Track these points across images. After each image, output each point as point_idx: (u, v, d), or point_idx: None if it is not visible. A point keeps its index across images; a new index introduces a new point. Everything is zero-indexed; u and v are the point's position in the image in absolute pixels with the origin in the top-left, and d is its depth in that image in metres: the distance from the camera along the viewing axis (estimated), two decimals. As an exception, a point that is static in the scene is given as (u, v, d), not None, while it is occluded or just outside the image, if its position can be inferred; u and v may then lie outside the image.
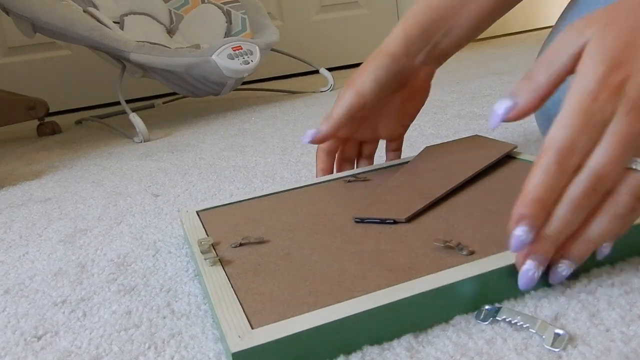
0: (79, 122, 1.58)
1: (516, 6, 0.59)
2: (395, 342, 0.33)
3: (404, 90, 0.58)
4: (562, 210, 0.32)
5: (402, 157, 0.64)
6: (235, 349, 0.30)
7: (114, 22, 1.40)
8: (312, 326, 0.31)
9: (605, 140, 0.32)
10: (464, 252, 0.37)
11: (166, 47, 1.31)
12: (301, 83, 1.81)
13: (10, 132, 1.58)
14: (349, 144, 0.62)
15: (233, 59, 1.21)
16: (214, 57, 1.20)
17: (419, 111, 0.61)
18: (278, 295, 0.35)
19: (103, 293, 0.46)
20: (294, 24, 2.03)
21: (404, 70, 0.56)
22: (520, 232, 0.32)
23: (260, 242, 0.43)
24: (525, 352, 0.31)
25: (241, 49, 1.23)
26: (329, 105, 1.29)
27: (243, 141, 1.02)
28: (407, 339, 0.33)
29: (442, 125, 0.92)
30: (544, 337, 0.32)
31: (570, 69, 0.34)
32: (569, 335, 0.32)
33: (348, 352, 0.32)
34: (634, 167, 0.32)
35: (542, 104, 0.35)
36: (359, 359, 0.32)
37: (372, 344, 0.33)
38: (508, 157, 0.55)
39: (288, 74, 2.05)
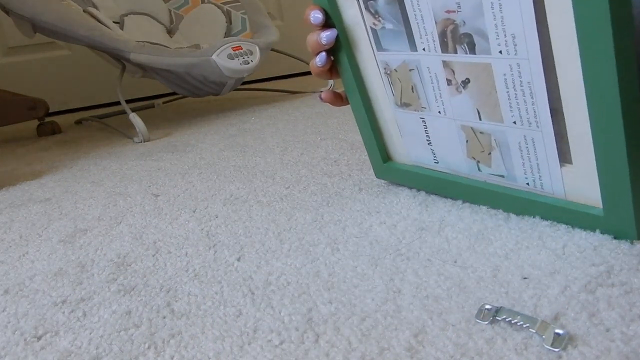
0: (79, 122, 1.59)
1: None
2: (395, 342, 0.33)
3: None
4: None
5: None
6: None
7: (114, 22, 1.40)
8: None
9: None
10: None
11: (166, 47, 1.31)
12: (301, 83, 1.81)
13: (10, 132, 1.58)
14: None
15: (233, 59, 1.21)
16: (214, 57, 1.20)
17: None
18: None
19: (103, 293, 0.46)
20: (294, 24, 2.03)
21: None
22: None
23: None
24: (525, 352, 0.31)
25: (241, 49, 1.23)
26: (329, 105, 1.29)
27: (243, 141, 1.02)
28: (407, 339, 0.33)
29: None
30: (544, 337, 0.32)
31: None
32: (569, 335, 0.32)
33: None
34: None
35: None
36: (357, 358, 0.32)
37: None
38: None
39: (288, 74, 2.05)
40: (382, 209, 0.56)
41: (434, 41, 0.48)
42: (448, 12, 0.45)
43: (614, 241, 0.42)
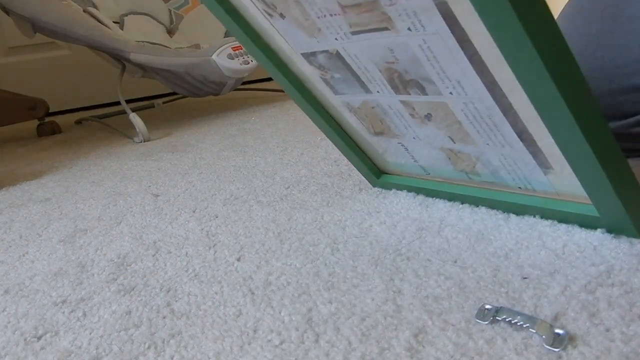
0: (79, 122, 1.59)
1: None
2: (395, 342, 0.33)
3: None
4: None
5: None
6: None
7: (114, 22, 1.40)
8: None
9: None
10: None
11: (166, 47, 1.31)
12: (301, 83, 1.80)
13: (10, 132, 1.58)
14: None
15: (233, 58, 1.21)
16: (214, 57, 1.20)
17: None
18: None
19: (103, 293, 0.46)
20: (294, 24, 2.03)
21: None
22: None
23: None
24: (525, 352, 0.31)
25: (241, 48, 1.23)
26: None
27: (243, 141, 1.02)
28: (407, 339, 0.33)
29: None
30: (544, 337, 0.32)
31: None
32: (569, 335, 0.32)
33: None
34: None
35: None
36: (357, 358, 0.32)
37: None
38: None
39: (288, 74, 2.05)
40: (382, 209, 0.56)
41: (384, 85, 0.47)
42: (388, 63, 0.45)
43: (614, 241, 0.42)
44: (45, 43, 1.77)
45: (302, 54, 0.50)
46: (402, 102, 0.48)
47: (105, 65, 1.74)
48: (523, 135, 0.42)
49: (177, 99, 1.76)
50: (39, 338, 0.40)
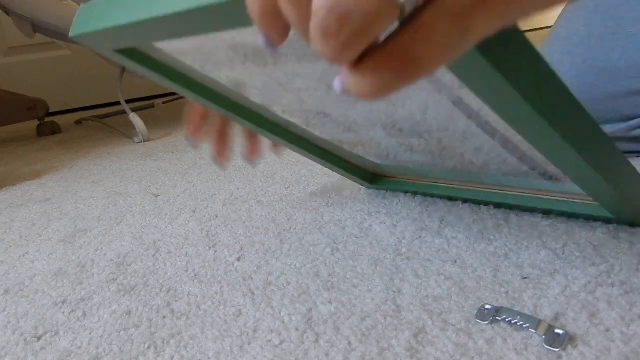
0: (79, 122, 1.59)
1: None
2: (395, 342, 0.33)
3: None
4: None
5: None
6: None
7: (114, 22, 1.40)
8: None
9: None
10: None
11: (166, 47, 1.31)
12: (301, 83, 1.80)
13: (10, 132, 1.58)
14: None
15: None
16: (214, 57, 1.20)
17: None
18: None
19: (103, 293, 0.46)
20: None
21: None
22: None
23: None
24: (525, 352, 0.31)
25: (241, 49, 1.23)
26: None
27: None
28: (407, 339, 0.33)
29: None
30: (544, 337, 0.32)
31: None
32: (569, 335, 0.32)
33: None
34: None
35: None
36: (357, 359, 0.32)
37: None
38: None
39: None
40: (382, 209, 0.56)
41: (377, 128, 0.47)
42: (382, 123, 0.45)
43: (614, 241, 0.42)
44: (45, 43, 1.77)
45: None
46: (397, 142, 0.48)
47: (105, 65, 1.74)
48: (524, 159, 0.42)
49: (177, 99, 1.76)
50: (39, 338, 0.40)
